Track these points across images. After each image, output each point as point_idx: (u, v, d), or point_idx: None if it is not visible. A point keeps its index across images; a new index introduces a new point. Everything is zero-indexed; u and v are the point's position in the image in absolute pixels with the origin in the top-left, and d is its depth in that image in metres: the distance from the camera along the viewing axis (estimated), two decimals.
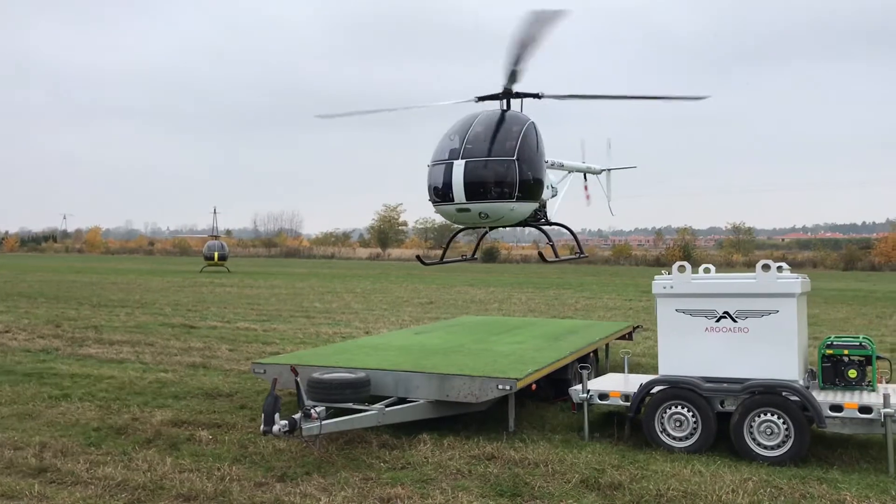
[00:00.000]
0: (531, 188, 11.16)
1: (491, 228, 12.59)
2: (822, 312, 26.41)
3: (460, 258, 14.72)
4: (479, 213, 11.05)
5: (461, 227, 12.98)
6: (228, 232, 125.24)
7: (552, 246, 12.79)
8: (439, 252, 16.88)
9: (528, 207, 11.40)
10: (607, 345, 14.46)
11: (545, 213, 12.60)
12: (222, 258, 57.10)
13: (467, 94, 11.80)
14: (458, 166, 10.86)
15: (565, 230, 13.61)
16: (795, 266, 71.82)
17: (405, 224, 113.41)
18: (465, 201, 10.89)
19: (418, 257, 14.64)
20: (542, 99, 11.68)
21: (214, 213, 62.61)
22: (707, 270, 9.84)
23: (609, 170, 16.42)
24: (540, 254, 12.79)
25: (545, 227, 12.78)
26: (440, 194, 11.15)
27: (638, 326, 15.44)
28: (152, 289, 36.99)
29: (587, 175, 15.26)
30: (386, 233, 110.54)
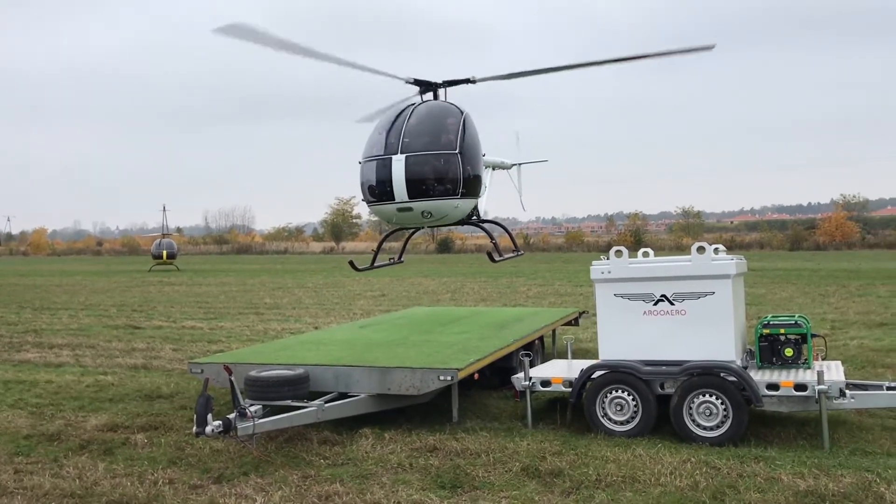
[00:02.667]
0: (473, 183, 10.77)
1: (429, 227, 12.14)
2: (768, 292, 26.91)
3: (389, 262, 14.07)
4: (423, 213, 10.46)
5: (397, 227, 12.40)
6: (179, 230, 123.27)
7: (495, 244, 12.42)
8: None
9: (470, 204, 11.00)
10: (554, 331, 14.47)
11: (477, 210, 12.26)
12: (171, 256, 56.26)
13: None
14: (398, 162, 10.22)
15: (500, 228, 13.35)
16: (743, 247, 73.46)
17: (359, 217, 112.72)
18: (407, 200, 10.27)
19: (351, 262, 13.67)
20: (477, 83, 11.35)
21: (164, 210, 61.65)
22: (646, 254, 9.88)
23: (519, 164, 16.27)
24: (489, 254, 12.38)
25: (484, 225, 12.40)
26: (377, 193, 10.50)
27: (584, 312, 15.48)
28: (98, 290, 36.20)
29: (496, 169, 15.02)
30: (340, 226, 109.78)
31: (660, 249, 60.85)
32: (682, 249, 66.96)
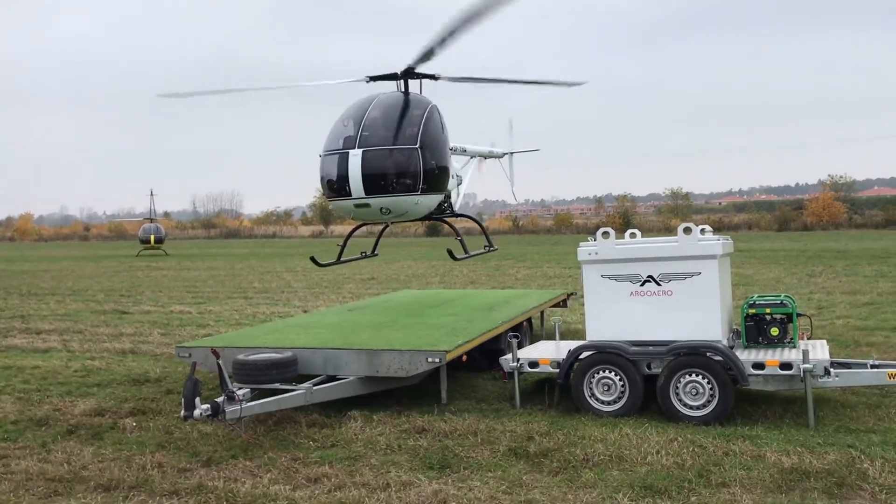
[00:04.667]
0: (437, 178, 10.52)
1: (393, 223, 11.85)
2: (755, 273, 27.02)
3: (360, 255, 13.83)
4: (381, 209, 10.31)
5: (360, 223, 12.20)
6: (167, 214, 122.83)
7: (461, 242, 12.17)
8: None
9: (433, 200, 10.76)
10: (542, 313, 14.50)
11: (450, 203, 12.02)
12: (159, 241, 56.05)
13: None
14: (355, 157, 10.04)
15: (473, 223, 13.14)
16: (731, 228, 73.69)
17: None
18: (363, 196, 10.10)
19: (312, 258, 13.52)
20: (439, 81, 11.10)
21: (151, 195, 61.22)
22: (633, 235, 9.90)
23: (511, 153, 16.16)
24: (449, 252, 12.11)
25: (452, 221, 12.16)
26: (335, 188, 10.31)
27: (572, 293, 15.52)
28: (86, 275, 36.02)
29: (487, 159, 14.90)
30: (328, 210, 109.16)
31: (648, 231, 61.09)
32: (670, 231, 67.11)
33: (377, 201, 10.24)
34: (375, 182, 10.13)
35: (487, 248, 13.39)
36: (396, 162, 10.18)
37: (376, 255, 14.11)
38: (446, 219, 12.48)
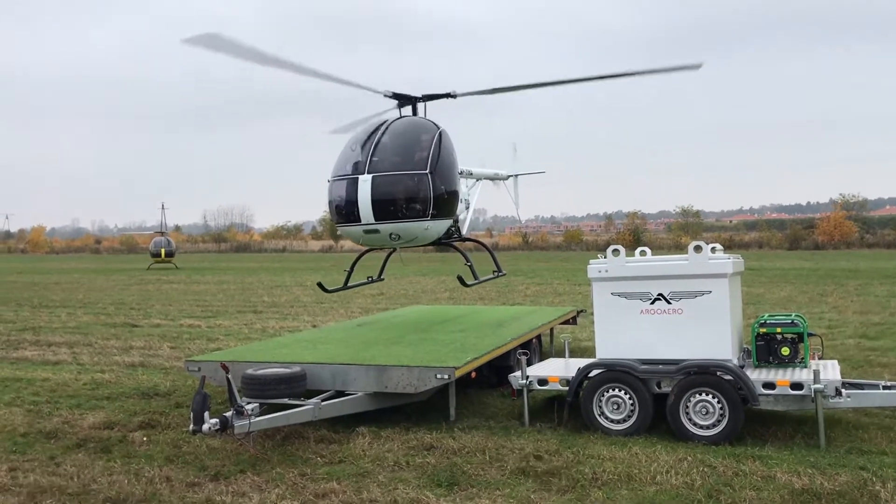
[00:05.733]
0: (446, 204, 10.43)
1: (401, 249, 11.78)
2: (766, 291, 26.90)
3: (367, 280, 13.76)
4: (390, 235, 10.21)
5: (368, 248, 12.07)
6: (178, 228, 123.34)
7: (471, 267, 12.06)
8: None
9: (443, 225, 10.66)
10: (552, 330, 14.47)
11: (458, 228, 11.94)
12: (169, 254, 56.29)
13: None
14: (365, 182, 9.94)
15: (481, 246, 13.08)
16: (742, 247, 73.44)
17: None
18: (373, 222, 10.01)
19: (320, 284, 13.55)
20: (457, 98, 11.03)
21: (162, 209, 61.58)
22: (643, 253, 9.89)
23: (516, 175, 16.15)
24: (460, 278, 12.04)
25: (460, 245, 12.05)
26: (344, 214, 10.22)
27: (582, 311, 15.47)
28: (96, 288, 36.18)
29: (495, 181, 14.88)
30: None
31: (658, 248, 60.90)
32: (680, 248, 66.87)
33: (386, 227, 10.12)
34: (385, 208, 10.03)
35: (496, 274, 13.33)
36: (407, 187, 10.07)
37: (382, 279, 14.09)
38: (455, 243, 12.43)
